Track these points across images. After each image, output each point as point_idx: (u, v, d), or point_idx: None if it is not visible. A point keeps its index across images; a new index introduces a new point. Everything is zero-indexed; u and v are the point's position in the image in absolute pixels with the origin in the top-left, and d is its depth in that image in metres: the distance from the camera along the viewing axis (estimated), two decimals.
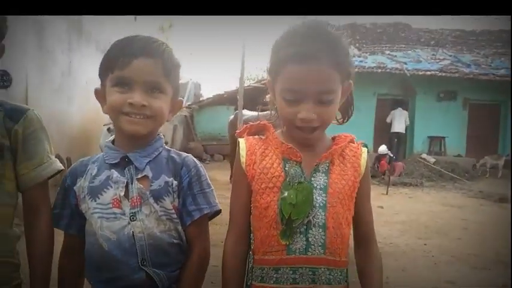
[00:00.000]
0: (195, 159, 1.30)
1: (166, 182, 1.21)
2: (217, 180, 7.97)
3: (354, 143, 1.25)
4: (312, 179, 1.15)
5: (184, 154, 1.29)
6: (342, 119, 1.27)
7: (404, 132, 13.69)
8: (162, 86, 1.19)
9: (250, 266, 1.19)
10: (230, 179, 9.06)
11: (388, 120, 13.72)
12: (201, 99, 19.01)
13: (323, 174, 1.16)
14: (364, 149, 1.25)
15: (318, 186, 1.14)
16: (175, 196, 1.22)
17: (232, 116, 9.64)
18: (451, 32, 16.29)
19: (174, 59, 1.23)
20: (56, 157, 1.30)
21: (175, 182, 1.22)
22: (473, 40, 16.13)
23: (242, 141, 1.23)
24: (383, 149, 11.89)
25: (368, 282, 1.19)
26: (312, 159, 1.16)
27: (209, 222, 1.29)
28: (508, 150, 12.74)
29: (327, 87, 1.10)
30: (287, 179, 1.13)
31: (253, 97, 13.77)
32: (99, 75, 1.23)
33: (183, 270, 1.23)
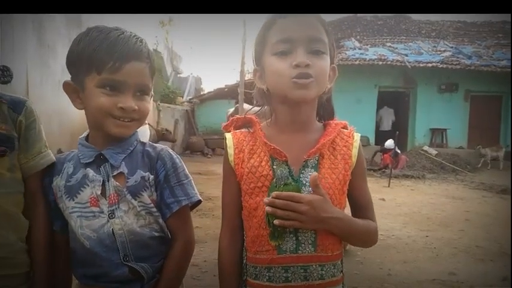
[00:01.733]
0: (170, 150, 1.28)
1: (143, 177, 1.20)
2: (219, 174, 7.94)
3: (346, 129, 1.20)
4: (301, 175, 1.10)
5: (160, 147, 1.27)
6: (319, 119, 1.23)
7: (391, 129, 13.71)
8: (149, 88, 1.20)
9: (244, 262, 1.19)
10: None
11: (377, 119, 13.72)
12: (201, 93, 18.98)
13: (312, 170, 1.11)
14: (357, 136, 1.19)
15: (307, 183, 1.09)
16: (153, 190, 1.21)
17: (231, 110, 9.62)
18: (452, 24, 16.22)
19: (154, 58, 1.24)
20: (58, 151, 1.31)
21: (151, 176, 1.21)
22: (474, 31, 16.06)
23: (229, 137, 1.20)
24: (390, 143, 11.76)
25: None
26: (301, 154, 1.11)
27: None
28: (508, 141, 12.73)
29: (315, 34, 1.09)
30: (273, 180, 1.09)
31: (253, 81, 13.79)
32: (72, 68, 1.21)
33: (166, 261, 1.23)
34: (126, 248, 1.17)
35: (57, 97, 5.91)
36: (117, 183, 1.18)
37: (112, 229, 1.16)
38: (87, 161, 1.20)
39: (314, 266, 1.09)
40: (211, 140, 15.17)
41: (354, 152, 1.16)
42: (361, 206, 1.19)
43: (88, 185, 1.18)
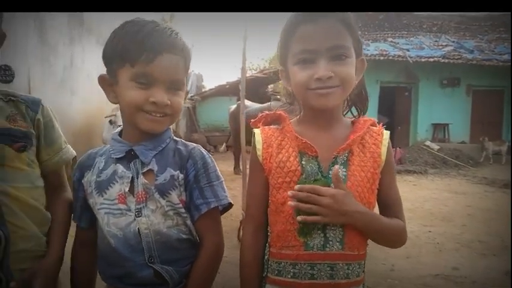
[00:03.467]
0: (203, 150, 1.24)
1: (172, 176, 1.15)
2: (221, 171, 7.74)
3: (375, 127, 1.19)
4: (330, 172, 1.09)
5: (192, 145, 1.24)
6: (358, 114, 1.23)
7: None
8: (182, 82, 1.17)
9: (266, 258, 1.18)
10: (234, 169, 9.07)
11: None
12: (203, 90, 18.97)
13: (341, 166, 1.10)
14: (386, 134, 1.18)
15: None
16: (182, 190, 1.17)
17: (233, 106, 9.58)
18: (453, 18, 16.12)
19: (189, 51, 1.19)
20: None
21: (181, 176, 1.17)
22: (476, 25, 15.97)
23: (258, 132, 1.20)
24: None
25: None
26: (330, 150, 1.11)
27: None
28: (510, 136, 12.70)
29: (338, 41, 1.07)
30: (303, 176, 1.09)
31: (255, 87, 13.76)
32: (107, 62, 1.17)
33: (194, 265, 1.18)
34: (151, 248, 1.13)
35: (59, 96, 5.92)
36: (146, 180, 1.14)
37: (138, 228, 1.13)
38: (118, 156, 1.18)
39: (341, 265, 1.09)
40: (213, 137, 15.17)
41: (383, 150, 1.15)
42: (389, 205, 1.18)
43: (117, 181, 1.16)
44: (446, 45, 14.62)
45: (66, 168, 1.40)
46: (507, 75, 12.75)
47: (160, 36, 1.12)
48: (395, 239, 1.17)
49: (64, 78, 6.19)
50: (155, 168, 1.16)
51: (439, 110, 13.88)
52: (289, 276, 1.11)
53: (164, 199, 1.14)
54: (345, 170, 1.10)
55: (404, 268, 3.82)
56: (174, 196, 1.16)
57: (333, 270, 1.08)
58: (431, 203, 6.88)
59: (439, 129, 14.11)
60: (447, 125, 13.94)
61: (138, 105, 1.12)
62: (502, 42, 14.79)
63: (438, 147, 12.91)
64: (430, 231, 5.11)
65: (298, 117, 1.22)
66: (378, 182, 1.13)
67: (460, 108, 14.12)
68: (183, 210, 1.17)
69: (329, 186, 1.07)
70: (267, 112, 1.24)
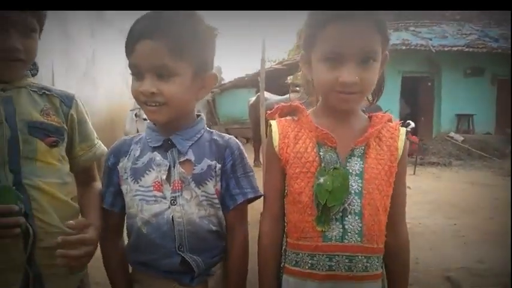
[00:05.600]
0: (237, 141, 1.26)
1: (209, 166, 1.17)
2: None
3: (391, 123, 1.20)
4: (347, 164, 1.11)
5: (227, 136, 1.25)
6: (372, 99, 1.23)
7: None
8: (172, 68, 1.09)
9: (283, 248, 1.18)
10: (254, 162, 9.07)
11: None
12: (222, 82, 19.00)
13: (358, 159, 1.11)
14: (403, 130, 1.19)
15: (353, 172, 1.10)
16: (218, 180, 1.18)
17: (252, 99, 9.56)
18: None
19: (189, 32, 1.10)
20: None
21: (218, 165, 1.18)
22: (500, 13, 15.50)
23: (274, 124, 1.20)
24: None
25: (394, 276, 1.19)
26: (348, 143, 1.11)
27: None
28: None
29: (368, 46, 1.05)
30: (322, 165, 1.09)
31: (274, 79, 13.69)
32: None
33: (231, 257, 1.22)
34: (182, 237, 1.15)
35: (83, 88, 6.00)
36: (183, 170, 1.16)
37: (172, 216, 1.14)
38: (155, 145, 1.19)
39: (360, 257, 1.08)
40: (233, 130, 15.19)
41: (400, 144, 1.16)
42: (394, 200, 1.16)
43: (153, 169, 1.17)
44: (470, 34, 14.24)
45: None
46: None
47: (142, 22, 1.10)
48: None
49: (87, 72, 6.27)
50: (192, 158, 1.17)
51: (463, 101, 13.57)
52: (307, 267, 1.11)
53: (200, 189, 1.16)
54: (362, 162, 1.11)
55: (429, 260, 3.76)
56: (210, 186, 1.17)
57: (352, 262, 1.08)
58: (456, 196, 6.75)
59: (463, 120, 13.81)
60: (471, 115, 13.62)
61: (135, 96, 1.14)
62: None
63: (462, 138, 12.65)
64: (455, 224, 5.03)
65: (314, 108, 1.22)
66: (394, 175, 1.14)
67: (485, 98, 13.77)
68: (216, 200, 1.19)
69: (347, 176, 1.08)
70: (283, 104, 1.23)
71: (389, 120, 1.20)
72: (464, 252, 4.04)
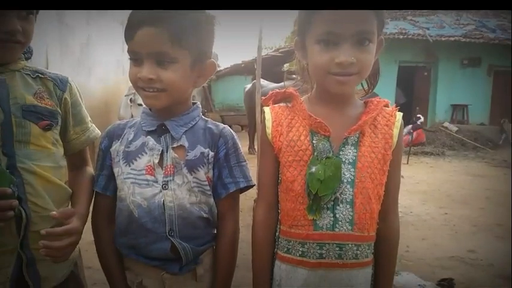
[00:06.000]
0: (232, 130, 1.26)
1: (202, 153, 1.18)
2: None
3: (388, 108, 1.18)
4: (341, 152, 1.10)
5: (222, 125, 1.26)
6: (368, 88, 1.22)
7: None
8: (171, 55, 1.10)
9: (276, 235, 1.19)
10: (249, 149, 9.07)
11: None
12: (218, 69, 18.90)
13: (352, 147, 1.11)
14: (399, 116, 1.17)
15: (346, 161, 1.10)
16: (210, 167, 1.19)
17: (248, 86, 9.52)
18: None
19: (189, 20, 1.11)
20: None
21: (211, 153, 1.19)
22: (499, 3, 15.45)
23: (267, 111, 1.20)
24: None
25: (381, 261, 1.19)
26: (342, 131, 1.10)
27: None
28: None
29: (365, 27, 1.03)
30: (315, 154, 1.09)
31: (270, 66, 13.63)
32: None
33: (219, 244, 1.23)
34: (173, 222, 1.15)
35: (77, 75, 5.96)
36: (176, 155, 1.16)
37: (163, 200, 1.15)
38: (149, 129, 1.20)
39: (350, 245, 1.09)
40: (228, 117, 15.17)
41: (395, 132, 1.15)
42: (387, 189, 1.16)
43: (146, 153, 1.18)
44: (467, 24, 14.20)
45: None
46: None
47: (141, 11, 1.10)
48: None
49: (81, 58, 6.22)
50: (186, 144, 1.18)
51: (459, 91, 13.58)
52: (298, 255, 1.12)
53: (192, 175, 1.17)
54: (355, 151, 1.11)
55: (420, 249, 3.81)
56: (202, 173, 1.18)
57: (342, 250, 1.09)
58: (449, 185, 6.81)
59: (458, 110, 13.84)
60: (466, 106, 13.65)
61: (132, 81, 1.15)
62: None
63: (457, 128, 12.69)
64: (446, 214, 5.08)
65: (309, 95, 1.21)
66: (388, 163, 1.13)
67: (480, 89, 13.79)
68: (208, 187, 1.20)
69: (340, 165, 1.08)
70: (278, 90, 1.23)
71: (386, 105, 1.18)
72: (456, 242, 4.10)
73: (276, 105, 1.21)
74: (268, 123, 1.17)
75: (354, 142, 1.11)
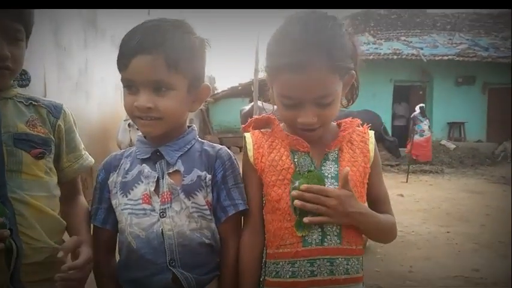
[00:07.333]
0: (229, 151, 1.23)
1: (199, 176, 1.14)
2: None
3: (360, 127, 1.24)
4: (322, 168, 1.14)
5: (219, 146, 1.23)
6: (346, 103, 1.25)
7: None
8: (168, 82, 1.08)
9: (263, 261, 1.17)
10: None
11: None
12: (215, 92, 19.01)
13: (333, 163, 1.15)
14: (371, 133, 1.24)
15: (329, 175, 1.12)
16: (208, 191, 1.15)
17: (245, 108, 9.57)
18: (467, 16, 15.89)
19: (184, 45, 1.10)
20: None
21: (208, 176, 1.15)
22: (490, 23, 15.71)
23: (248, 136, 1.21)
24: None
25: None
26: (321, 149, 1.15)
27: None
28: None
29: (325, 92, 1.06)
30: (297, 169, 1.11)
31: (268, 88, 13.76)
32: None
33: (223, 277, 1.18)
34: (173, 251, 1.11)
35: (75, 99, 5.97)
36: (172, 181, 1.13)
37: (161, 229, 1.10)
38: (144, 157, 1.17)
39: (340, 259, 1.09)
40: (226, 139, 15.19)
41: (371, 147, 1.21)
42: (379, 200, 1.22)
43: (142, 182, 1.15)
44: (460, 43, 14.42)
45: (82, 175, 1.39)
46: None
47: (136, 35, 1.08)
48: (389, 234, 1.22)
49: (79, 82, 6.25)
50: (182, 168, 1.15)
51: (455, 109, 13.68)
52: (288, 276, 1.10)
53: (190, 200, 1.13)
54: (336, 166, 1.14)
55: (423, 269, 3.76)
56: (200, 197, 1.14)
57: (333, 265, 1.08)
58: (449, 203, 6.79)
59: (455, 128, 13.92)
60: (463, 123, 13.74)
61: (128, 111, 1.12)
62: None
63: (454, 146, 12.73)
64: (448, 232, 5.04)
65: None
66: (367, 177, 1.17)
67: (476, 107, 13.90)
68: (208, 212, 1.15)
69: (323, 178, 1.10)
70: (256, 117, 1.27)
71: (358, 126, 1.24)
72: (459, 261, 4.05)
73: (256, 130, 1.23)
74: (250, 146, 1.19)
75: (334, 158, 1.16)
